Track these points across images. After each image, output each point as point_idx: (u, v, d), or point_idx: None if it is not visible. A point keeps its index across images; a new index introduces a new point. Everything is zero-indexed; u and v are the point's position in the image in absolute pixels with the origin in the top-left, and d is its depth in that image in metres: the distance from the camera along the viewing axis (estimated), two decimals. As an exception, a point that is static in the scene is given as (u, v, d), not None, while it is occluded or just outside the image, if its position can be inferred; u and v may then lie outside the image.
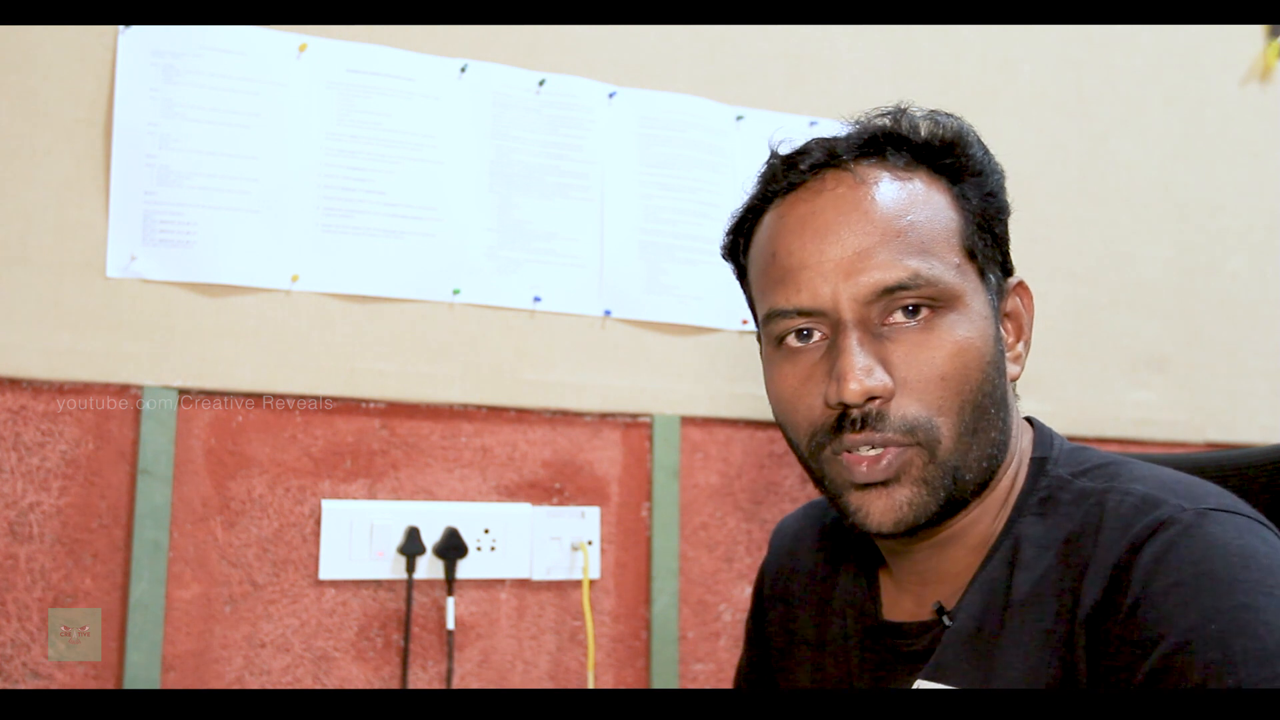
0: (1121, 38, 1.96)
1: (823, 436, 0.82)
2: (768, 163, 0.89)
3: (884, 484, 0.80)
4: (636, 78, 1.64)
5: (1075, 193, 1.89)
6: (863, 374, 0.78)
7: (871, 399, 0.79)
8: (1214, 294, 1.96)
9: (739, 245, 0.93)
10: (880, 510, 0.81)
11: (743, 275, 0.94)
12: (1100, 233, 1.90)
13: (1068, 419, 1.79)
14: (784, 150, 0.88)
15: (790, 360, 0.85)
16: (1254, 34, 2.06)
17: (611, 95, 1.62)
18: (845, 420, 0.80)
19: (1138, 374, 1.89)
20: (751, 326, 1.64)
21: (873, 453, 0.80)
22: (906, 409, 0.79)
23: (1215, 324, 1.95)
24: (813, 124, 1.70)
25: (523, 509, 1.52)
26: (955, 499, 0.82)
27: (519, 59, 1.58)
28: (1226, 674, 0.66)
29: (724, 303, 1.64)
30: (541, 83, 1.58)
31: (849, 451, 0.81)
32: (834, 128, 0.90)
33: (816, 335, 0.83)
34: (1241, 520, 0.75)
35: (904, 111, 0.87)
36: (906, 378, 0.80)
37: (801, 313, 0.82)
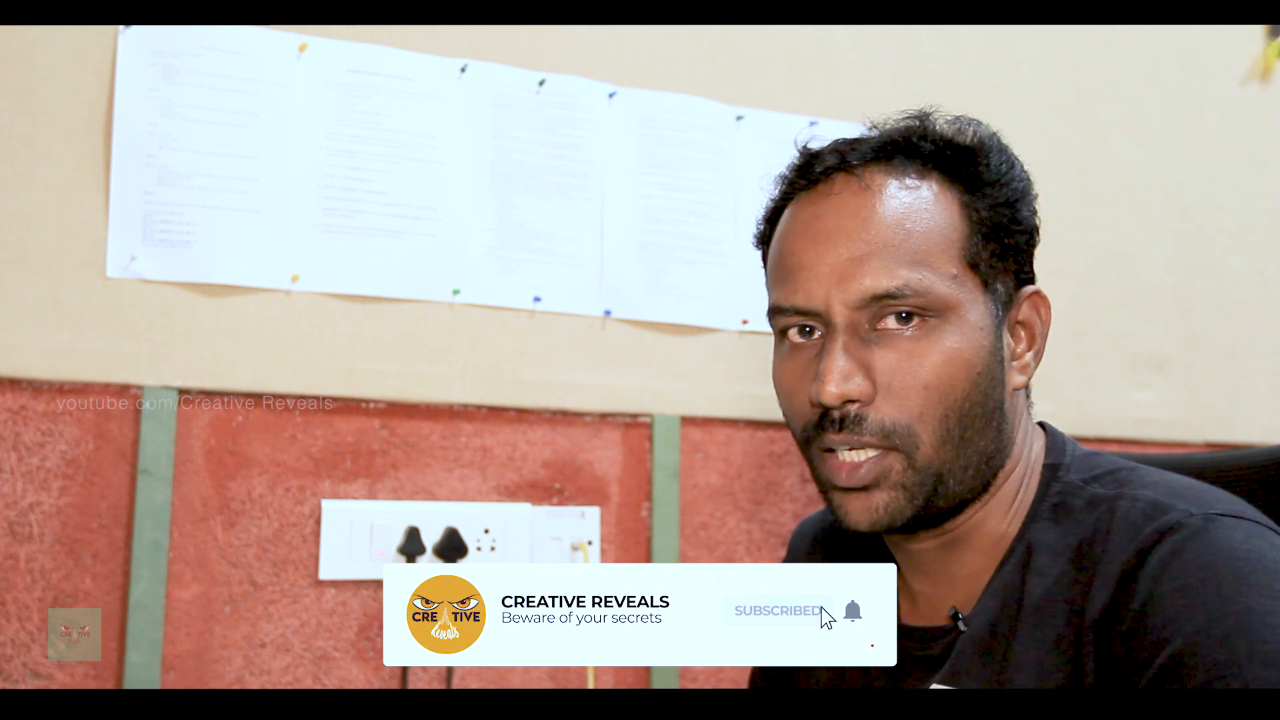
0: (1121, 38, 1.96)
1: (810, 431, 0.85)
2: (792, 158, 0.91)
3: (864, 489, 0.83)
4: (636, 78, 1.64)
5: (1075, 193, 1.89)
6: (840, 378, 0.81)
7: (850, 402, 0.81)
8: (1214, 294, 1.96)
9: (765, 235, 0.95)
10: (856, 511, 0.84)
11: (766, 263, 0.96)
12: (1100, 233, 1.90)
13: (1068, 419, 1.79)
14: (811, 146, 0.90)
15: (791, 355, 0.87)
16: (1254, 34, 2.05)
17: (611, 95, 1.62)
18: (826, 420, 0.83)
19: (1138, 374, 1.89)
20: (751, 327, 1.64)
21: (851, 457, 0.83)
22: (885, 414, 0.81)
23: (1215, 324, 1.95)
24: (813, 124, 1.70)
25: (523, 509, 1.52)
26: (937, 504, 0.84)
27: (519, 59, 1.58)
28: (1232, 676, 0.67)
29: (724, 303, 1.64)
30: (541, 83, 1.58)
31: (831, 451, 0.84)
32: (835, 127, 0.91)
33: (817, 333, 0.85)
34: (1249, 525, 0.76)
35: (927, 116, 0.88)
36: (889, 384, 0.82)
37: (798, 312, 0.85)
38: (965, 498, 0.85)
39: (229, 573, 1.40)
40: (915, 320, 0.82)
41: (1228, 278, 1.98)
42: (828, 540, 1.06)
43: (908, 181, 0.85)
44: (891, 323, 0.82)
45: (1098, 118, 1.93)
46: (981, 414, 0.83)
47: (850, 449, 0.82)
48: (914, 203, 0.84)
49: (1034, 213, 0.90)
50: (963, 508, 0.86)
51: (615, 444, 1.59)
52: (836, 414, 0.82)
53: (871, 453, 0.82)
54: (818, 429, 0.84)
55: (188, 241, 1.40)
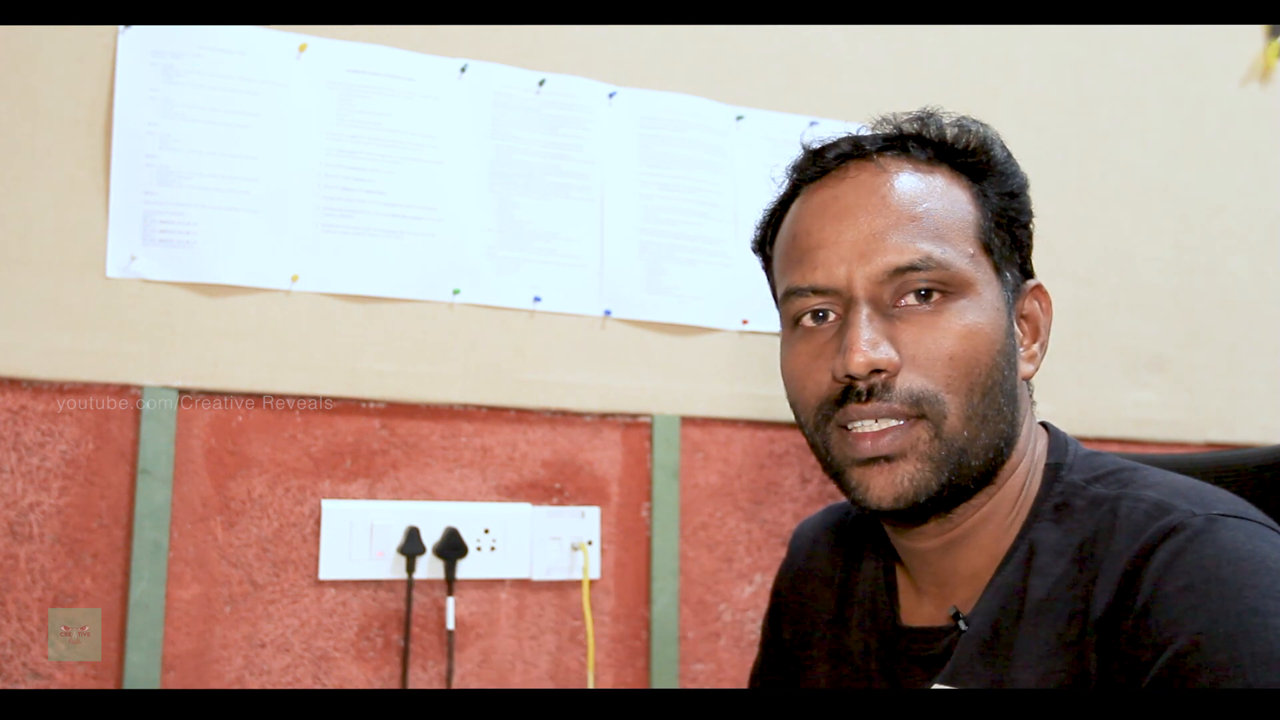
0: (1121, 38, 1.96)
1: (828, 409, 0.84)
2: (797, 156, 0.92)
3: (887, 459, 0.82)
4: (636, 78, 1.64)
5: (1075, 193, 1.89)
6: (868, 346, 0.80)
7: (877, 372, 0.81)
8: (1214, 294, 1.96)
9: (767, 237, 0.96)
10: (880, 486, 0.82)
11: (768, 265, 0.97)
12: (1100, 233, 1.90)
13: (1068, 419, 1.79)
14: (814, 146, 0.91)
15: (804, 339, 0.87)
16: (1254, 34, 2.06)
17: (611, 95, 1.62)
18: (850, 393, 0.82)
19: (1138, 374, 1.89)
20: (751, 327, 1.64)
21: (875, 428, 0.82)
22: (913, 382, 0.81)
23: (1215, 324, 1.95)
24: (813, 124, 1.70)
25: (523, 509, 1.52)
26: (958, 483, 0.83)
27: (519, 59, 1.58)
28: (1234, 677, 0.67)
29: (724, 303, 1.64)
30: (541, 83, 1.58)
31: (853, 427, 0.82)
32: (835, 127, 0.92)
33: (831, 316, 0.85)
34: (1252, 526, 0.76)
35: (931, 115, 0.90)
36: (914, 355, 0.82)
37: (816, 291, 0.85)
38: (981, 472, 0.84)
39: (229, 573, 1.40)
40: (935, 297, 0.82)
41: (1228, 278, 1.98)
42: (830, 539, 1.06)
43: (920, 167, 0.87)
44: (911, 300, 0.83)
45: (1098, 118, 1.93)
46: (1001, 392, 0.84)
47: (875, 419, 0.81)
48: (929, 185, 0.86)
49: (1031, 212, 0.91)
50: (971, 494, 0.85)
51: (615, 444, 1.59)
52: (862, 385, 0.81)
53: (896, 422, 0.81)
54: (838, 405, 0.83)
55: (188, 241, 1.40)
